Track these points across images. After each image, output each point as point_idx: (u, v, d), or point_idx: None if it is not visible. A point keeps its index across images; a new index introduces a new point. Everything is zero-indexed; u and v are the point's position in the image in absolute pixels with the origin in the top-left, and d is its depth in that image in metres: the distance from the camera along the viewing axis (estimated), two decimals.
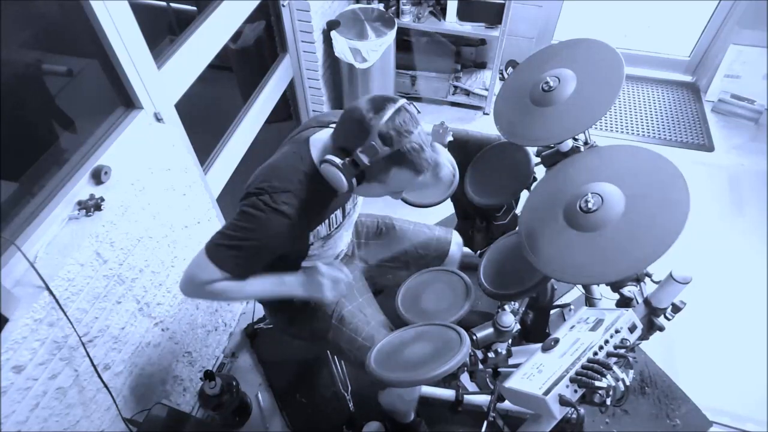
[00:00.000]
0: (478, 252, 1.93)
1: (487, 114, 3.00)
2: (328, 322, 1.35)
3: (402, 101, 1.01)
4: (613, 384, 0.92)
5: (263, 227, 1.03)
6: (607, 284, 1.26)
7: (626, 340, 1.00)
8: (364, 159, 0.97)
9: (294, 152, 1.11)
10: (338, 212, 1.23)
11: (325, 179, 1.05)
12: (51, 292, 1.08)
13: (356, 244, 1.56)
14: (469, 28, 2.64)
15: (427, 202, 1.59)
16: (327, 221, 1.20)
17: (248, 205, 1.04)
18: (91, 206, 1.19)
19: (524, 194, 1.47)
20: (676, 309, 1.12)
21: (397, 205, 1.64)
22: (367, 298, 1.45)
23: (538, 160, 1.53)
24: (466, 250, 1.97)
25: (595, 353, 0.98)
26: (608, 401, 0.93)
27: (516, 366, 1.14)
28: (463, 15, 2.62)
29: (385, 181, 1.04)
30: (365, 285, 1.50)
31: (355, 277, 1.49)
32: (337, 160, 0.99)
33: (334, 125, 1.10)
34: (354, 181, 1.00)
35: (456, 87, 3.02)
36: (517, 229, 1.31)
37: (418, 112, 1.04)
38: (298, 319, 1.36)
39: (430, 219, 1.77)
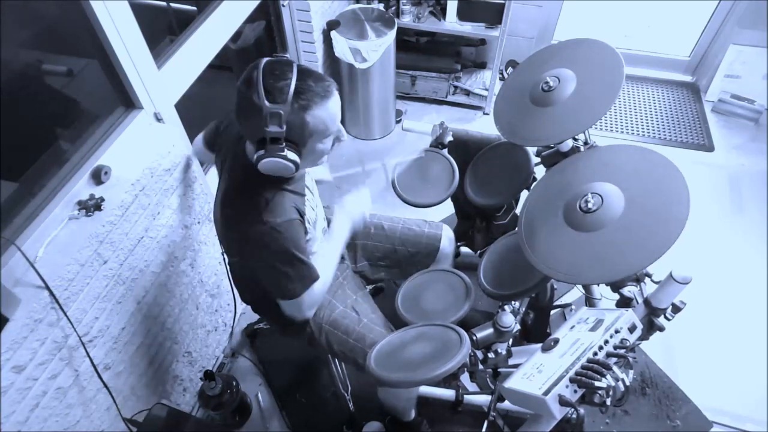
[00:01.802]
0: (478, 252, 1.93)
1: (487, 114, 3.00)
2: (319, 328, 1.36)
3: (263, 60, 0.98)
4: (613, 384, 0.92)
5: (286, 240, 1.07)
6: (607, 284, 1.26)
7: (626, 340, 1.00)
8: (276, 128, 0.94)
9: (235, 177, 1.14)
10: (306, 192, 1.23)
11: (276, 177, 1.04)
12: (51, 292, 1.08)
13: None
14: (469, 28, 2.64)
15: (427, 202, 1.59)
16: (303, 199, 1.21)
17: (261, 240, 1.07)
18: (91, 206, 1.18)
19: (524, 194, 1.47)
20: (676, 309, 1.12)
21: (397, 205, 1.64)
22: (361, 295, 1.45)
23: (538, 160, 1.53)
24: (466, 250, 1.97)
25: (595, 353, 0.98)
26: (608, 401, 0.93)
27: (516, 366, 1.14)
28: (463, 15, 2.62)
29: (313, 131, 1.01)
30: (357, 283, 1.50)
31: (346, 276, 1.49)
32: (262, 152, 0.98)
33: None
34: (292, 155, 0.98)
35: (456, 87, 3.02)
36: (516, 229, 1.31)
37: (288, 56, 1.01)
38: (289, 328, 1.37)
39: (430, 219, 1.77)
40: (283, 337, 1.48)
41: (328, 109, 1.01)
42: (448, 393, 1.55)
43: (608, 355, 0.98)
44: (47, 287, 1.07)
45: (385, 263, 1.56)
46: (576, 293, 1.77)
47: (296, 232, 1.10)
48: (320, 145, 1.07)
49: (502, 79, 3.09)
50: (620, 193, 1.13)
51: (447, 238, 1.57)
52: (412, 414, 1.63)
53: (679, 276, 1.05)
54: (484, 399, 1.52)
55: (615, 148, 1.29)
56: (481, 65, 3.09)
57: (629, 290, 1.22)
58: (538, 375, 1.01)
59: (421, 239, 1.54)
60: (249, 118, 0.98)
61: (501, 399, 1.35)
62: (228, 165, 1.20)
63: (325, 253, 1.25)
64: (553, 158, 1.46)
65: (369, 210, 1.33)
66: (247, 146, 1.11)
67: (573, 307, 1.72)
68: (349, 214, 1.30)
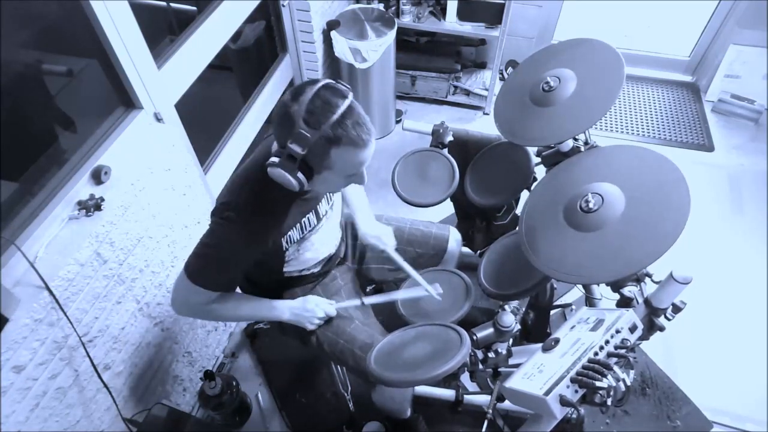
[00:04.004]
0: (478, 252, 1.93)
1: (487, 114, 3.00)
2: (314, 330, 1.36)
3: (324, 81, 0.96)
4: (614, 384, 0.92)
5: (225, 239, 1.07)
6: (607, 284, 1.26)
7: (627, 340, 1.00)
8: (297, 149, 0.93)
9: (251, 161, 1.13)
10: (311, 216, 1.22)
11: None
12: (51, 292, 1.08)
13: (351, 246, 1.55)
14: (469, 28, 2.64)
15: (427, 202, 1.59)
16: (299, 225, 1.19)
17: (212, 222, 1.08)
18: (91, 206, 1.18)
19: (524, 194, 1.47)
20: (676, 309, 1.12)
21: (397, 205, 1.64)
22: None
23: (538, 160, 1.53)
24: (466, 250, 1.97)
25: (596, 353, 0.97)
26: (609, 402, 0.93)
27: (516, 366, 1.14)
28: (463, 15, 2.62)
29: (332, 166, 0.99)
30: (355, 289, 1.49)
31: (345, 279, 1.49)
32: (276, 160, 0.97)
33: None
34: (301, 176, 0.97)
35: (456, 87, 3.02)
36: (517, 229, 1.31)
37: (347, 87, 0.99)
38: (287, 324, 1.37)
39: (430, 219, 1.78)
40: (282, 336, 1.48)
41: (356, 155, 0.99)
42: (448, 393, 1.55)
43: (609, 355, 0.98)
44: (47, 287, 1.07)
45: (391, 265, 1.56)
46: (576, 293, 1.77)
47: (235, 233, 1.06)
48: (335, 179, 1.05)
49: (502, 79, 3.09)
50: (620, 193, 1.13)
51: (454, 240, 1.56)
52: (408, 412, 1.63)
53: (679, 276, 1.05)
54: (484, 399, 1.52)
55: (615, 148, 1.29)
56: (481, 65, 3.09)
57: (629, 290, 1.22)
58: (538, 375, 1.01)
59: (428, 240, 1.54)
60: (280, 125, 0.97)
61: (501, 399, 1.34)
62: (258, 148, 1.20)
63: (255, 304, 1.27)
64: (553, 158, 1.46)
65: (319, 319, 1.32)
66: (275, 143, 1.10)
67: (573, 307, 1.72)
68: (292, 310, 1.30)
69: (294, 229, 1.19)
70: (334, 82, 0.98)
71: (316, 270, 1.39)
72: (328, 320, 1.35)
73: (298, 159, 0.95)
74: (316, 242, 1.30)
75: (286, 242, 1.20)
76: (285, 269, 1.31)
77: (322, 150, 0.96)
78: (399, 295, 1.36)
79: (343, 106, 0.94)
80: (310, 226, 1.23)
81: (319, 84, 0.95)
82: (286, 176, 0.97)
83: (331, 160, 0.98)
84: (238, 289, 1.28)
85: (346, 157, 0.98)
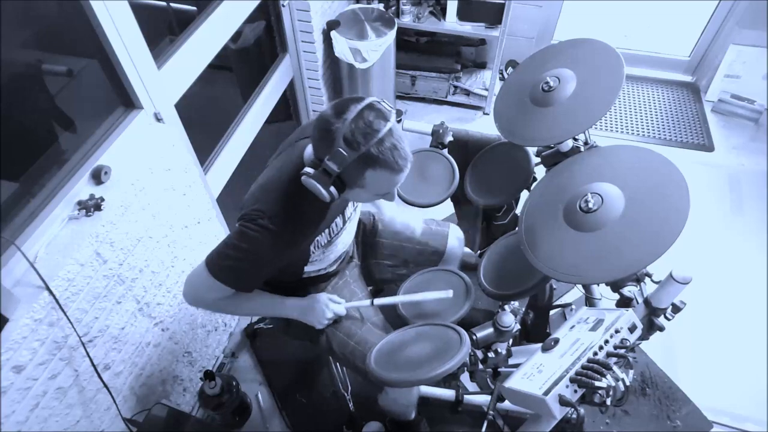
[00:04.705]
0: (478, 252, 1.93)
1: (487, 114, 3.00)
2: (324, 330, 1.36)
3: (368, 100, 0.97)
4: (613, 384, 0.92)
5: (259, 247, 1.06)
6: (607, 284, 1.26)
7: (626, 340, 1.00)
8: (333, 166, 0.94)
9: (284, 167, 1.12)
10: (338, 219, 1.23)
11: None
12: (51, 292, 1.08)
13: (354, 243, 1.56)
14: (469, 28, 2.64)
15: (427, 202, 1.59)
16: (327, 230, 1.20)
17: (244, 225, 1.06)
18: (91, 206, 1.19)
19: (524, 194, 1.47)
20: (676, 309, 1.12)
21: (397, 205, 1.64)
22: (365, 296, 1.45)
23: (538, 160, 1.53)
24: (466, 250, 1.97)
25: (595, 353, 0.98)
26: (608, 401, 0.93)
27: (516, 366, 1.14)
28: (463, 15, 2.62)
29: (364, 185, 1.00)
30: (362, 285, 1.50)
31: (352, 276, 1.49)
32: (311, 171, 0.97)
33: None
34: (333, 189, 0.98)
35: (456, 87, 3.02)
36: (517, 229, 1.31)
37: (390, 108, 1.00)
38: (294, 321, 1.37)
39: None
40: (282, 336, 1.49)
41: (390, 179, 1.00)
42: (448, 393, 1.55)
43: (608, 355, 0.98)
44: (47, 287, 1.07)
45: (392, 262, 1.56)
46: (576, 293, 1.78)
47: (269, 242, 1.06)
48: (366, 195, 1.06)
49: (502, 79, 3.09)
50: (620, 193, 1.13)
51: (456, 238, 1.56)
52: (413, 414, 1.63)
53: (679, 276, 1.05)
54: (484, 399, 1.51)
55: (615, 149, 1.29)
56: (481, 65, 3.09)
57: (629, 290, 1.22)
58: (538, 375, 1.01)
59: (429, 238, 1.54)
60: (320, 140, 0.98)
61: (501, 399, 1.35)
62: (281, 155, 1.20)
63: (266, 300, 1.28)
64: (553, 158, 1.46)
65: (328, 319, 1.32)
66: (308, 148, 1.10)
67: (573, 306, 1.72)
68: (302, 309, 1.30)
69: (323, 234, 1.20)
70: (378, 101, 0.98)
71: (331, 269, 1.39)
72: (338, 320, 1.35)
73: (333, 175, 0.96)
74: (339, 243, 1.30)
75: (314, 247, 1.21)
76: (306, 269, 1.31)
77: (357, 170, 0.97)
78: (408, 297, 1.35)
79: (385, 129, 0.94)
80: (336, 229, 1.24)
81: (364, 103, 0.96)
82: (320, 188, 0.97)
83: (365, 179, 0.99)
84: None
85: (380, 178, 0.99)
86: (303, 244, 1.16)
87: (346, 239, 1.35)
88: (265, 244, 1.05)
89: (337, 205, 1.17)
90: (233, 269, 1.09)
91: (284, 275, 1.33)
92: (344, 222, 1.26)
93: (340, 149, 0.93)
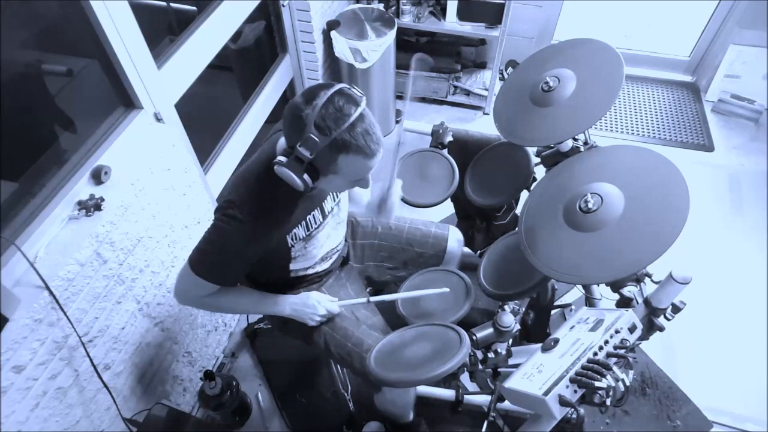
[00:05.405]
0: (478, 252, 1.93)
1: (487, 114, 3.00)
2: (319, 327, 1.36)
3: (338, 86, 0.96)
4: (613, 384, 0.92)
5: (229, 237, 1.07)
6: (607, 284, 1.26)
7: (626, 340, 1.00)
8: (305, 153, 0.94)
9: (257, 158, 1.13)
10: (316, 213, 1.22)
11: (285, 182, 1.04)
12: (51, 292, 1.08)
13: (351, 245, 1.55)
14: (469, 28, 2.64)
15: (427, 202, 1.59)
16: (304, 222, 1.20)
17: (216, 218, 1.08)
18: (91, 206, 1.19)
19: (524, 194, 1.47)
20: (676, 309, 1.12)
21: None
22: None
23: (538, 160, 1.53)
24: (466, 250, 1.97)
25: (595, 353, 0.98)
26: (608, 401, 0.93)
27: (516, 366, 1.14)
28: (463, 15, 2.62)
29: (338, 171, 1.00)
30: (360, 287, 1.49)
31: (348, 277, 1.49)
32: (284, 160, 0.97)
33: None
34: (307, 177, 0.98)
35: (456, 87, 3.02)
36: (517, 229, 1.31)
37: (361, 94, 0.99)
38: (291, 321, 1.37)
39: (430, 219, 1.79)
40: (282, 336, 1.49)
41: (363, 164, 0.99)
42: (448, 393, 1.55)
43: (608, 355, 0.98)
44: (47, 287, 1.07)
45: (391, 264, 1.55)
46: (576, 293, 1.78)
47: (240, 231, 1.06)
48: (340, 182, 1.06)
49: (502, 79, 3.09)
50: (620, 193, 1.13)
51: (455, 240, 1.55)
52: (411, 416, 1.63)
53: (679, 276, 1.05)
54: (484, 399, 1.52)
55: (615, 149, 1.29)
56: (481, 65, 3.09)
57: (629, 290, 1.22)
58: (538, 375, 1.01)
59: (427, 239, 1.54)
60: (291, 127, 0.98)
61: (501, 399, 1.35)
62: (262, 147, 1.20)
63: (257, 298, 1.28)
64: (553, 158, 1.47)
65: (320, 316, 1.32)
66: (281, 140, 1.10)
67: (573, 307, 1.72)
68: (294, 305, 1.30)
69: (299, 226, 1.19)
70: (348, 87, 0.98)
71: (320, 269, 1.39)
72: (334, 320, 1.35)
73: (305, 162, 0.96)
74: (322, 239, 1.30)
75: (292, 239, 1.20)
76: (291, 266, 1.30)
77: (329, 155, 0.96)
78: (405, 294, 1.36)
79: (355, 114, 0.94)
80: (315, 223, 1.23)
81: (333, 89, 0.95)
82: (293, 176, 0.97)
83: (338, 165, 0.99)
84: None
85: (353, 164, 0.99)
86: (276, 235, 1.15)
87: (332, 236, 1.34)
88: (235, 234, 1.06)
89: (312, 196, 1.17)
90: (211, 263, 1.10)
91: (272, 273, 1.33)
92: (324, 216, 1.25)
93: (312, 135, 0.93)
